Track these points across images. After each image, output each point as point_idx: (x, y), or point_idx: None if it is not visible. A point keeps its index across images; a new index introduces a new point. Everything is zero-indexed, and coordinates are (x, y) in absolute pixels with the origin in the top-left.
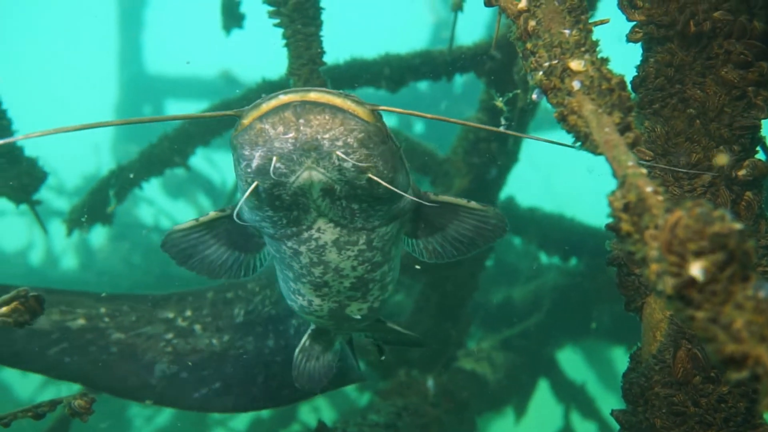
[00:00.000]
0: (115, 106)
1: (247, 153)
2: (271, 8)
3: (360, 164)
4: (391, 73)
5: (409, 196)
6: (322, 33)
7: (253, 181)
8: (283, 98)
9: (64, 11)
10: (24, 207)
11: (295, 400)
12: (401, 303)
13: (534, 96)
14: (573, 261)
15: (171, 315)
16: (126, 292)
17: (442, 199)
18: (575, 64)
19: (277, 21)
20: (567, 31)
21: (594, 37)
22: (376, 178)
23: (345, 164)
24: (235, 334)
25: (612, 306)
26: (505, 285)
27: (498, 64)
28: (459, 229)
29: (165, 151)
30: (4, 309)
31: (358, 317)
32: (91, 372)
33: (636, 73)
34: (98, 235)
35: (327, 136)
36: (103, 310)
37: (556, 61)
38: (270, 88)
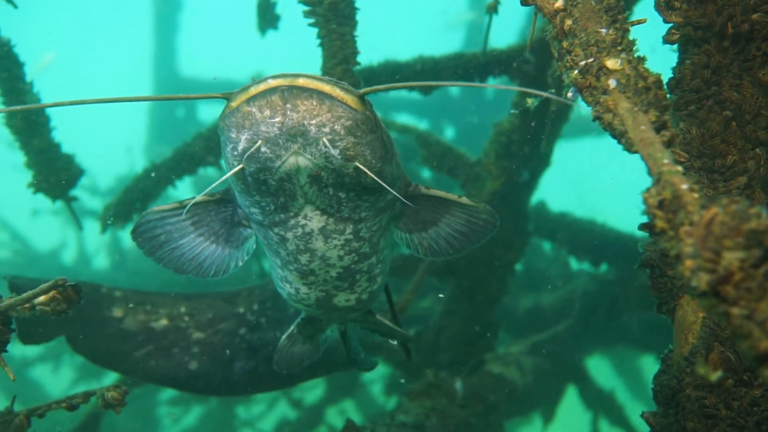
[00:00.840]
0: (148, 107)
1: (233, 136)
2: (306, 8)
3: (347, 152)
4: (424, 75)
5: (394, 192)
6: (356, 33)
7: (239, 164)
8: (272, 82)
9: (100, 13)
10: (58, 206)
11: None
12: (430, 306)
13: (569, 95)
14: (603, 267)
15: (242, 310)
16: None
17: (433, 193)
18: (611, 63)
19: (312, 20)
20: (604, 30)
21: (630, 37)
22: (363, 168)
23: (332, 151)
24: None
25: (642, 313)
26: (534, 290)
27: (532, 66)
28: (451, 224)
29: (199, 150)
30: (43, 298)
31: (346, 307)
32: (175, 374)
33: (672, 75)
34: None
35: (314, 122)
36: (183, 309)
37: (592, 60)
38: None
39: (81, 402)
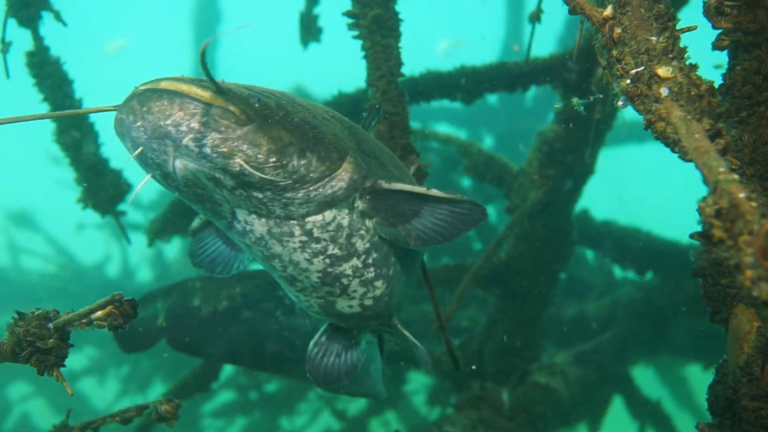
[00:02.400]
0: None
1: (124, 144)
2: (350, 21)
3: (219, 149)
4: (467, 84)
5: (348, 185)
6: (400, 45)
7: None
8: (136, 89)
9: (140, 25)
10: (103, 220)
11: None
12: (473, 316)
13: (620, 103)
14: (649, 275)
15: (281, 293)
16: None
17: (396, 188)
18: (663, 71)
19: (356, 33)
20: (654, 38)
21: (681, 44)
22: (244, 165)
23: (204, 150)
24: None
25: (689, 322)
26: (578, 299)
27: (575, 75)
28: (435, 214)
29: None
30: (100, 313)
31: (354, 314)
32: (228, 349)
33: (722, 81)
34: (173, 248)
35: (168, 122)
36: (238, 289)
37: (643, 68)
38: (347, 101)
39: (134, 416)
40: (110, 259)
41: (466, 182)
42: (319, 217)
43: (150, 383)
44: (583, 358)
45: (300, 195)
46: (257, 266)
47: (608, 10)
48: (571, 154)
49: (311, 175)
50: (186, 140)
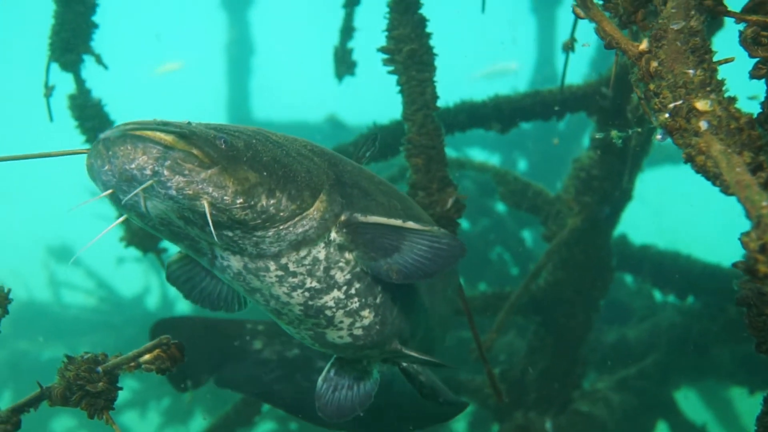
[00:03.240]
0: None
1: (96, 186)
2: (385, 56)
3: (184, 191)
4: (501, 114)
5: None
6: (435, 78)
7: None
8: (103, 134)
9: (175, 57)
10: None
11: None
12: (512, 342)
13: (658, 137)
14: (690, 299)
15: None
16: None
17: (372, 221)
18: (701, 104)
19: (391, 69)
20: (691, 71)
21: (719, 77)
22: (208, 205)
23: (170, 192)
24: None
25: (733, 346)
26: (618, 323)
27: (609, 102)
28: (414, 249)
29: None
30: (148, 356)
31: (346, 345)
32: (293, 397)
33: (760, 110)
34: None
35: (133, 165)
36: None
37: (681, 102)
38: (382, 132)
39: None
40: (149, 291)
41: (500, 207)
42: (293, 253)
43: (191, 416)
44: (625, 383)
45: (270, 234)
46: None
47: (644, 44)
48: (608, 180)
49: (281, 214)
50: (151, 183)
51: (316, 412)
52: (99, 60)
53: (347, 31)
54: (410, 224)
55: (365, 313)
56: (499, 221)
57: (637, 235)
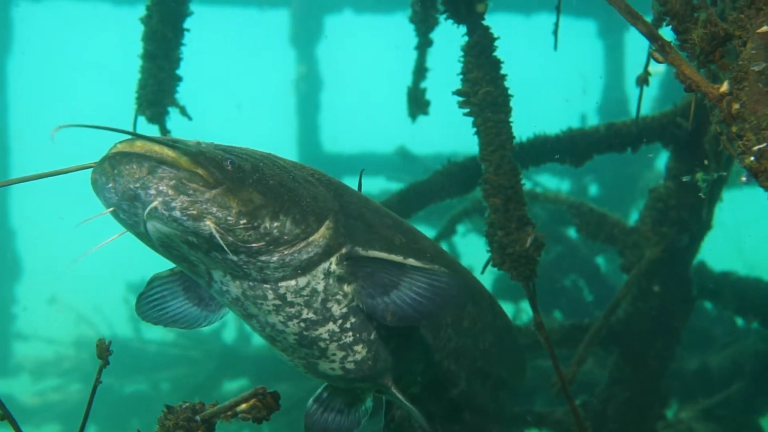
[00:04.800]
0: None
1: (101, 202)
2: (460, 99)
3: (188, 212)
4: (575, 148)
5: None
6: (511, 119)
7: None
8: (110, 151)
9: (245, 94)
10: None
11: None
12: (591, 371)
13: (743, 179)
14: None
15: None
16: None
17: (373, 255)
18: None
19: (467, 111)
20: None
21: None
22: (213, 226)
23: (174, 213)
24: None
25: None
26: (699, 351)
27: (685, 131)
28: (413, 288)
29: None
30: (244, 405)
31: (337, 377)
32: None
33: None
34: None
35: (137, 185)
36: None
37: (765, 145)
38: (456, 170)
39: None
40: (226, 325)
41: (573, 233)
42: (292, 282)
43: None
44: (710, 412)
45: (275, 258)
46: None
47: (724, 86)
48: (686, 210)
49: (285, 237)
50: (155, 203)
51: None
52: (183, 111)
53: (420, 71)
54: (411, 261)
55: (358, 348)
56: (572, 248)
57: (717, 262)
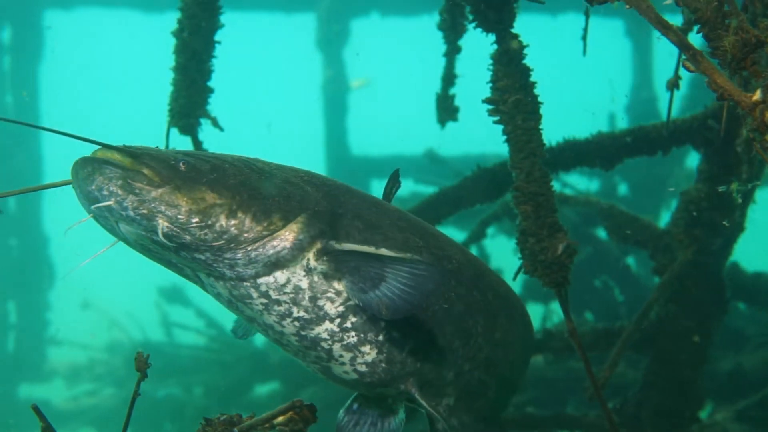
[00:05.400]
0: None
1: None
2: (490, 107)
3: (139, 211)
4: (603, 151)
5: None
6: (541, 126)
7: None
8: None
9: (274, 97)
10: None
11: None
12: (623, 373)
13: None
14: None
15: None
16: None
17: (348, 248)
18: None
19: (496, 119)
20: None
21: None
22: (165, 224)
23: (128, 213)
24: None
25: None
26: (732, 351)
27: (717, 134)
28: (398, 278)
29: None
30: (281, 418)
31: (354, 381)
32: None
33: None
34: None
35: (93, 187)
36: None
37: None
38: (486, 176)
39: None
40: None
41: (602, 233)
42: (270, 279)
43: None
44: (745, 414)
45: (239, 255)
46: None
47: (757, 95)
48: (719, 213)
49: (245, 235)
50: (110, 203)
51: None
52: (215, 123)
53: (449, 78)
54: (383, 251)
55: (366, 348)
56: (601, 248)
57: (750, 263)
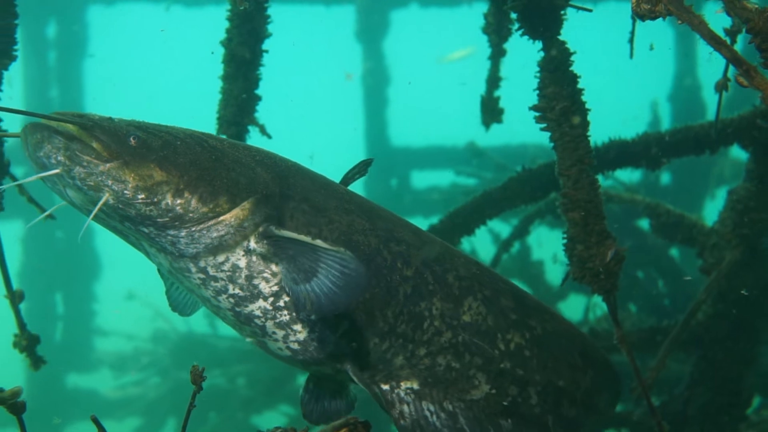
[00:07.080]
0: (363, 180)
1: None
2: (537, 114)
3: (86, 182)
4: (651, 151)
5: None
6: (589, 133)
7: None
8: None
9: (315, 92)
10: None
11: None
12: (668, 367)
13: None
14: None
15: None
16: None
17: (285, 235)
18: None
19: (543, 126)
20: None
21: None
22: (111, 198)
23: (76, 182)
24: None
25: None
26: None
27: (765, 133)
28: (329, 275)
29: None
30: None
31: (289, 357)
32: None
33: None
34: None
35: (41, 153)
36: None
37: None
38: (531, 178)
39: None
40: None
41: (645, 225)
42: (210, 257)
43: None
44: None
45: (183, 234)
46: None
47: None
48: (767, 212)
49: (190, 215)
50: (57, 171)
51: None
52: (263, 130)
53: (493, 80)
54: (318, 242)
55: (298, 327)
56: (644, 240)
57: None
